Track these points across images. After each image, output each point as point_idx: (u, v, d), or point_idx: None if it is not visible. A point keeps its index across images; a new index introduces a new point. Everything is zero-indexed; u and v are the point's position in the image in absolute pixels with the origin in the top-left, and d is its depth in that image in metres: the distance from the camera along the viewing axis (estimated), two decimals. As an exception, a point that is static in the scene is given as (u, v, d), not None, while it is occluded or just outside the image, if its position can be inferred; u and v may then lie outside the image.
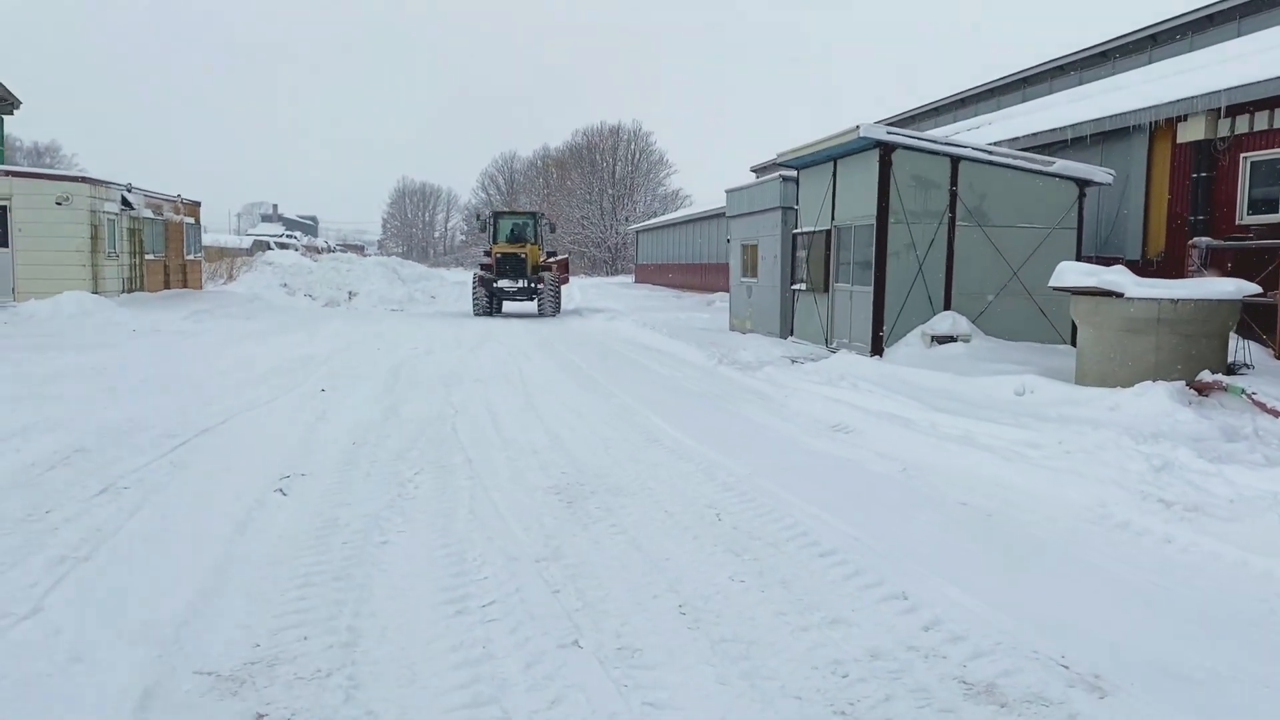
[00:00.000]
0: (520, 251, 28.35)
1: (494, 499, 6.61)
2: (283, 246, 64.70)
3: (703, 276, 46.82)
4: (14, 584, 4.79)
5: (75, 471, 7.20)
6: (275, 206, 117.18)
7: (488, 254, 30.56)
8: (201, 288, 31.75)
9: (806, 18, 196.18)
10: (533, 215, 30.92)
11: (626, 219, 79.69)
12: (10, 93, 27.82)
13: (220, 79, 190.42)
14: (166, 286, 27.81)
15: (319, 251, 63.15)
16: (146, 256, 25.98)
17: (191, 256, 30.72)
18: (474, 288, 28.57)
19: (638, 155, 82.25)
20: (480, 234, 34.45)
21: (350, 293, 34.28)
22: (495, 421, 9.81)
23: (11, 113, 28.41)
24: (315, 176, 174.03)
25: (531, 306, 30.07)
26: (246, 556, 5.26)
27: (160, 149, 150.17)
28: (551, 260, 30.10)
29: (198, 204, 31.60)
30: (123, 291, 23.92)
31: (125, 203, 23.95)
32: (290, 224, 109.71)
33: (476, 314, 28.06)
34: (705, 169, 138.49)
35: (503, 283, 28.19)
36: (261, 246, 60.96)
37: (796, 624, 4.40)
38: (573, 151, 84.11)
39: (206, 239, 35.03)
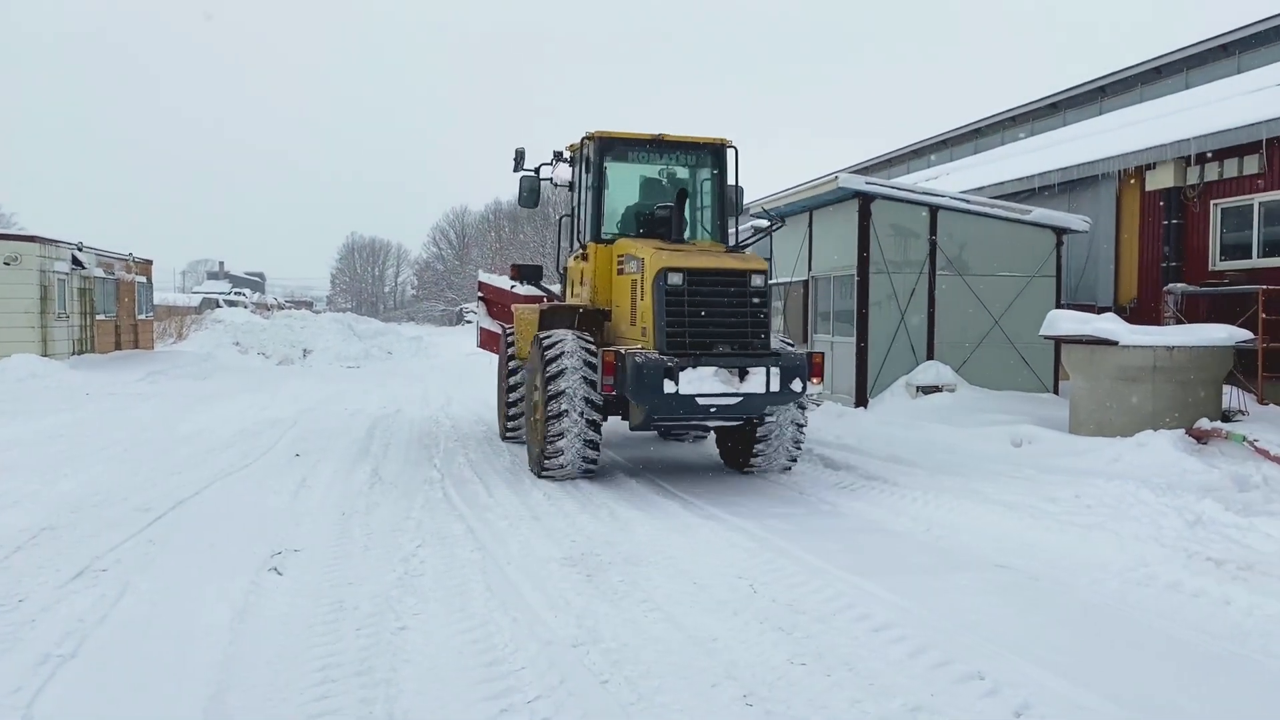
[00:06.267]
0: (752, 268, 9.22)
1: (508, 573, 6.18)
2: (231, 304, 63.64)
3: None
4: (-6, 690, 4.27)
5: (45, 552, 6.64)
6: (222, 263, 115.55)
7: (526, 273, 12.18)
8: (153, 348, 30.86)
9: (745, 70, 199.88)
10: (714, 151, 10.77)
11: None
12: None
13: (159, 134, 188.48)
14: (118, 347, 26.95)
15: (269, 308, 62.13)
16: (97, 317, 25.17)
17: (143, 316, 29.86)
18: (568, 398, 9.19)
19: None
20: (522, 207, 11.68)
21: (305, 350, 33.56)
22: (486, 485, 9.37)
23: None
24: (261, 232, 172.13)
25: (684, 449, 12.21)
26: (253, 649, 4.77)
27: (99, 206, 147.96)
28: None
29: (149, 262, 30.84)
30: (73, 353, 23.09)
31: (76, 262, 23.22)
32: (238, 281, 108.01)
33: (574, 472, 9.44)
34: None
35: (697, 376, 8.69)
36: (211, 304, 59.90)
37: (876, 713, 4.03)
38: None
39: (154, 298, 34.18)
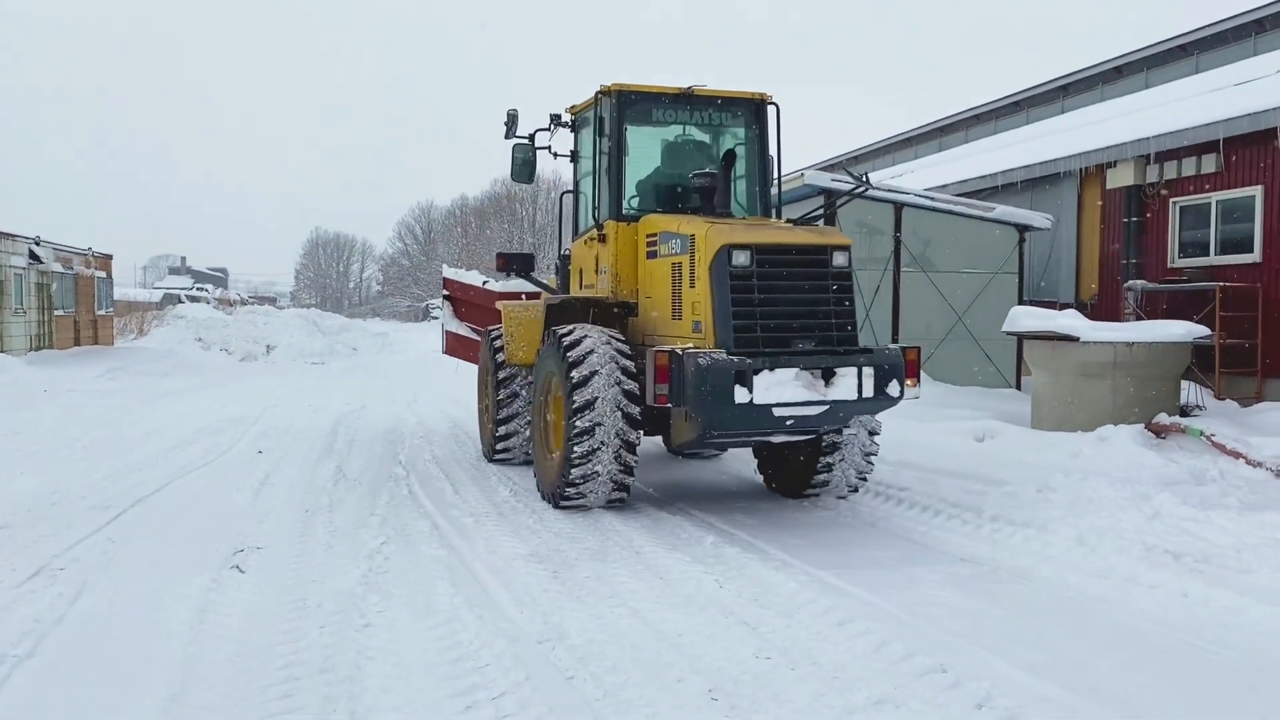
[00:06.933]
0: (834, 244, 7.62)
1: (473, 570, 6.16)
2: (194, 299, 62.92)
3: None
4: (-52, 691, 4.20)
5: (1, 552, 6.53)
6: (184, 259, 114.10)
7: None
8: (113, 344, 30.46)
9: (717, 63, 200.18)
10: (753, 108, 9.23)
11: (549, 267, 79.09)
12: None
13: (120, 126, 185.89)
14: (77, 343, 26.59)
15: (232, 304, 61.51)
16: (56, 312, 24.80)
17: (103, 312, 29.47)
18: (600, 410, 7.55)
19: (558, 204, 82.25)
20: (517, 174, 9.79)
21: (268, 346, 33.31)
22: (452, 481, 9.33)
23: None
24: (224, 227, 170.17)
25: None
26: (214, 647, 4.72)
27: (58, 199, 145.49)
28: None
29: (109, 257, 30.46)
30: (30, 349, 22.75)
31: (34, 256, 22.86)
32: (200, 276, 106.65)
33: (602, 501, 7.92)
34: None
35: (775, 381, 6.98)
36: (172, 300, 59.18)
37: (840, 707, 4.05)
38: (492, 200, 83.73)
39: (115, 293, 33.74)
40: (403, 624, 5.08)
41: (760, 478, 9.13)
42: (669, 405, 7.23)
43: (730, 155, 8.68)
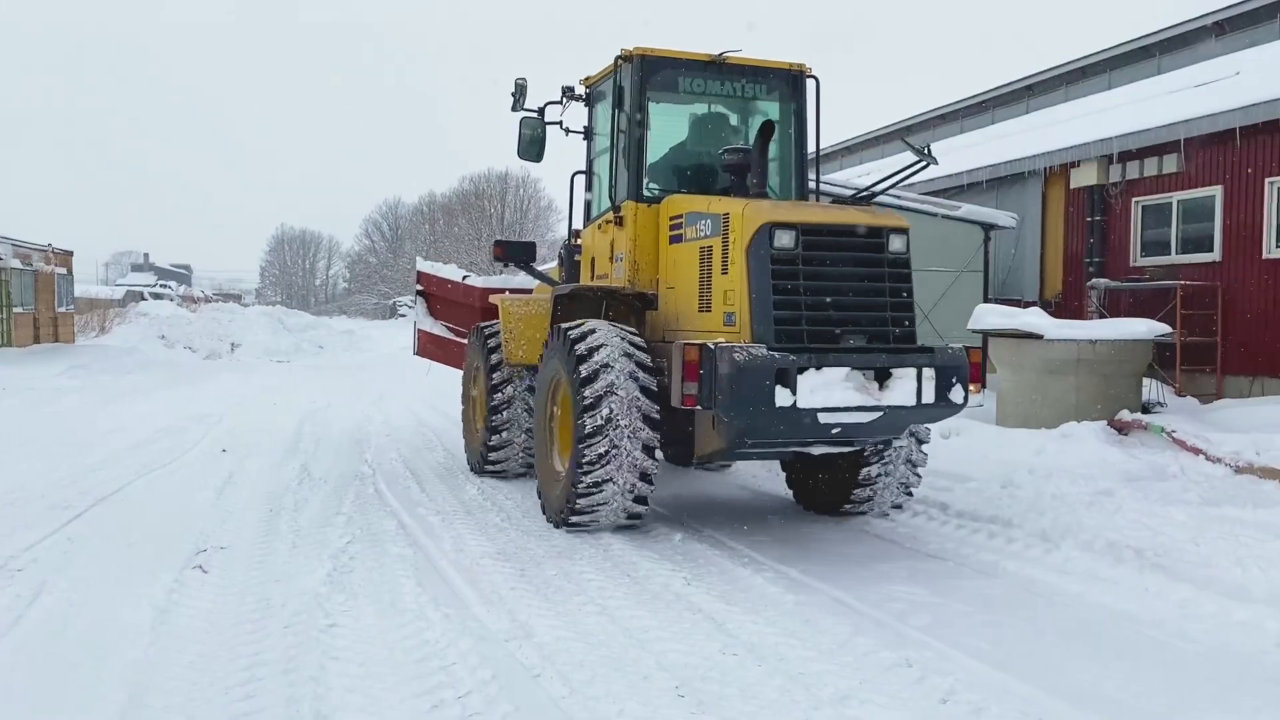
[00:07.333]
0: (889, 225, 6.74)
1: (440, 569, 6.13)
2: (157, 297, 62.19)
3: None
4: (-99, 695, 4.12)
5: (-43, 552, 6.42)
6: (146, 255, 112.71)
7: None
8: (74, 341, 30.04)
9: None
10: (790, 80, 8.32)
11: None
12: None
13: (81, 120, 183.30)
14: (37, 341, 26.22)
15: (196, 301, 60.87)
16: (14, 309, 24.43)
17: (63, 309, 29.07)
18: (614, 411, 6.65)
19: (526, 202, 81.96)
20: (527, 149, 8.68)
21: (233, 344, 32.99)
22: (419, 480, 9.28)
23: None
24: (187, 224, 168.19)
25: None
26: (175, 648, 4.66)
27: (17, 195, 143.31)
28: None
29: (70, 253, 30.04)
30: (-12, 347, 22.39)
31: (-9, 253, 22.52)
32: (163, 273, 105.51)
33: (619, 517, 6.99)
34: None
35: (823, 382, 6.05)
36: (135, 297, 58.45)
37: (806, 702, 4.07)
38: (460, 198, 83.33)
39: (75, 290, 33.28)
40: (368, 623, 5.04)
41: (789, 492, 8.28)
42: (696, 408, 6.33)
43: (768, 128, 7.52)
